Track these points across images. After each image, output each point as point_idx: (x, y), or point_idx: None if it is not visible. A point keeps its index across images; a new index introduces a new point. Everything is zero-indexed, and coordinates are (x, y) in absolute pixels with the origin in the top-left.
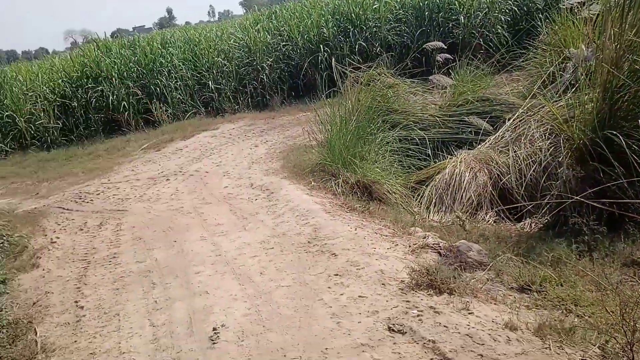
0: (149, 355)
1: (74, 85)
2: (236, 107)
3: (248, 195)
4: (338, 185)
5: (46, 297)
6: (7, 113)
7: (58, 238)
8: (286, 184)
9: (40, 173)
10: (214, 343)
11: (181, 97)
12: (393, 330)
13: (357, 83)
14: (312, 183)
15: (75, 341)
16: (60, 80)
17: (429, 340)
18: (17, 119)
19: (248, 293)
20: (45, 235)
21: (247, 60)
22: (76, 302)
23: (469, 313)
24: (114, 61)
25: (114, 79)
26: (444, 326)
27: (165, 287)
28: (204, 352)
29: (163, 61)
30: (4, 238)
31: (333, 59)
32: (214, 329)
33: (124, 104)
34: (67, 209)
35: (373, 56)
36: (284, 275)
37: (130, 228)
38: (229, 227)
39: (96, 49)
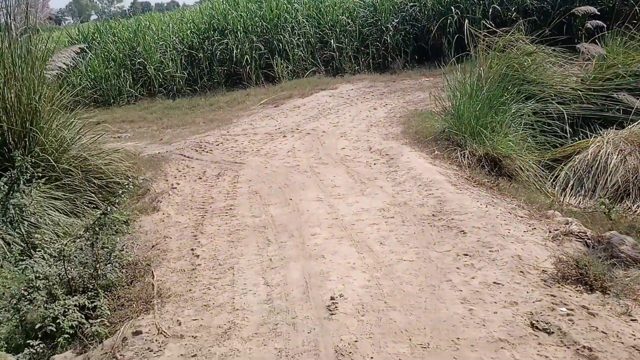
0: (262, 316)
1: (201, 37)
2: (356, 67)
3: (366, 158)
4: (464, 157)
5: (164, 242)
6: (139, 60)
7: (178, 184)
8: (407, 151)
9: (165, 120)
10: (331, 314)
11: (302, 55)
12: (537, 327)
13: (490, 49)
14: (436, 152)
15: (190, 290)
16: (188, 31)
17: (584, 347)
18: (148, 66)
19: (367, 263)
20: (167, 180)
21: (372, 20)
22: (192, 249)
23: (632, 320)
24: (241, 14)
25: (239, 32)
26: (602, 332)
27: (280, 245)
28: (321, 323)
29: (288, 17)
30: (129, 180)
31: (466, 22)
32: (332, 298)
33: (246, 58)
34: (188, 157)
35: (507, 22)
36: (407, 248)
37: (246, 181)
38: (346, 190)
39: (224, 2)
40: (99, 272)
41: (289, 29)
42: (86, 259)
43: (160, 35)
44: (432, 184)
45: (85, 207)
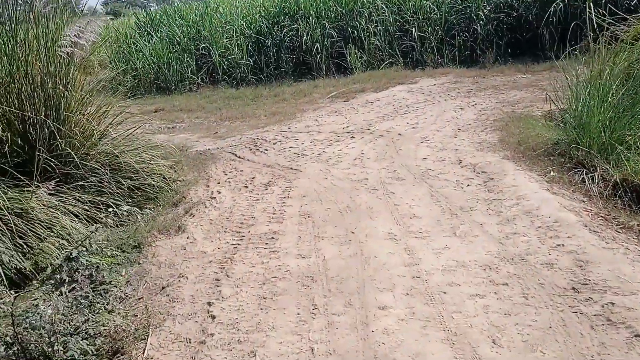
0: None
1: (270, 22)
2: (439, 60)
3: (456, 176)
4: (593, 182)
5: (178, 284)
6: (203, 45)
7: (219, 193)
8: (511, 168)
9: (224, 110)
10: None
11: (379, 44)
12: None
13: (617, 41)
14: (551, 172)
15: None
16: (257, 15)
17: None
18: (212, 51)
19: None
20: (208, 186)
21: (460, 7)
22: (209, 304)
23: None
24: None
25: (311, 17)
26: None
27: (330, 322)
28: None
29: (365, 1)
30: (165, 182)
31: (588, 5)
32: None
33: (317, 46)
34: (239, 157)
35: (625, 11)
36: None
37: (299, 197)
38: (430, 225)
39: None
40: (55, 347)
41: (366, 14)
42: (42, 323)
43: (227, 18)
44: (559, 226)
45: (110, 213)
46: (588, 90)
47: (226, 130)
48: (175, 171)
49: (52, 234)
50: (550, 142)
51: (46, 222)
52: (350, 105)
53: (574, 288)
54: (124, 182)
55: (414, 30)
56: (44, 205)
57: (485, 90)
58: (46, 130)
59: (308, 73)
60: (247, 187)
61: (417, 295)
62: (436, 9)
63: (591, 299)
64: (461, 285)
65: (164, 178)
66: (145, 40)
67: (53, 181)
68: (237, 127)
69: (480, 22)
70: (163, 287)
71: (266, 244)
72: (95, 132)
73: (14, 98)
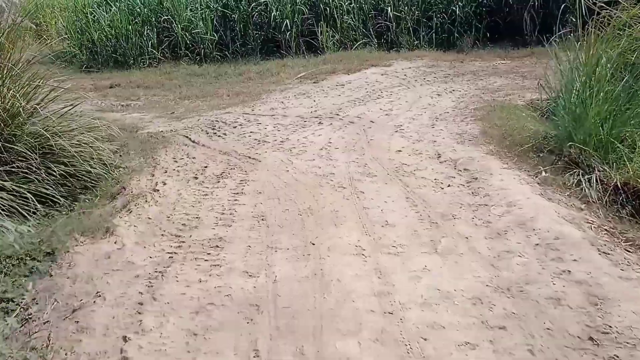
0: None
1: None
2: (415, 42)
3: (434, 173)
4: (590, 185)
5: (91, 308)
6: (164, 17)
7: (164, 184)
8: (497, 167)
9: (184, 88)
10: None
11: (352, 23)
12: None
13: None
14: (543, 172)
15: None
16: None
17: None
18: (174, 25)
19: None
20: (153, 174)
21: None
22: (125, 339)
23: None
24: None
25: None
26: None
27: None
28: None
29: None
30: (106, 169)
31: None
32: None
33: (286, 23)
34: (194, 142)
35: None
36: None
37: (254, 193)
38: (405, 237)
39: None
40: None
41: None
42: None
43: None
44: (561, 244)
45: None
46: (583, 78)
47: (184, 111)
48: (120, 156)
49: None
50: (538, 136)
51: None
52: (320, 87)
53: (591, 338)
54: (55, 169)
55: (389, 9)
56: None
57: (464, 76)
58: None
59: (277, 51)
60: (197, 177)
61: (389, 343)
62: None
63: (617, 358)
64: (446, 327)
65: (105, 164)
66: (103, 11)
67: None
68: (196, 107)
69: (459, 3)
70: (74, 310)
71: (208, 254)
72: (21, 109)
73: None
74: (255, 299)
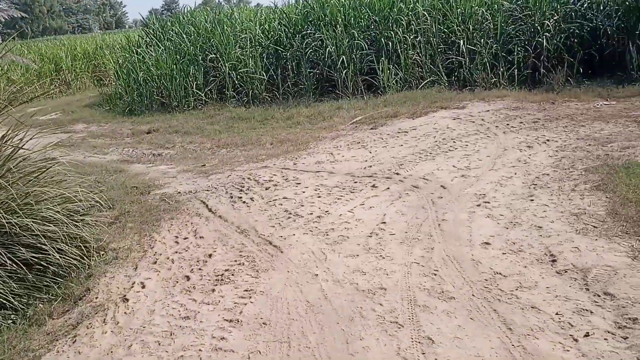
0: None
1: (291, 30)
2: (493, 80)
3: (553, 299)
4: None
5: None
6: (211, 56)
7: (142, 287)
8: None
9: (224, 135)
10: None
11: (418, 59)
12: None
13: None
14: None
15: None
16: (276, 22)
17: None
18: (221, 63)
19: None
20: (136, 268)
21: (520, 16)
22: None
23: None
24: (343, 3)
25: (338, 25)
26: None
27: None
28: None
29: (403, 7)
30: (82, 254)
31: None
32: None
33: (343, 59)
34: (210, 210)
35: None
36: None
37: (256, 323)
38: None
39: None
40: None
41: (404, 23)
42: None
43: (243, 26)
44: None
45: None
46: None
47: (217, 163)
48: (114, 230)
49: None
50: None
51: None
52: (379, 134)
53: None
54: (6, 258)
55: (461, 42)
56: None
57: (558, 121)
58: None
59: (332, 92)
60: (189, 278)
61: None
62: (490, 18)
63: None
64: None
65: (85, 247)
66: (151, 50)
67: None
68: (232, 158)
69: (546, 34)
70: None
71: None
72: None
73: None
74: None
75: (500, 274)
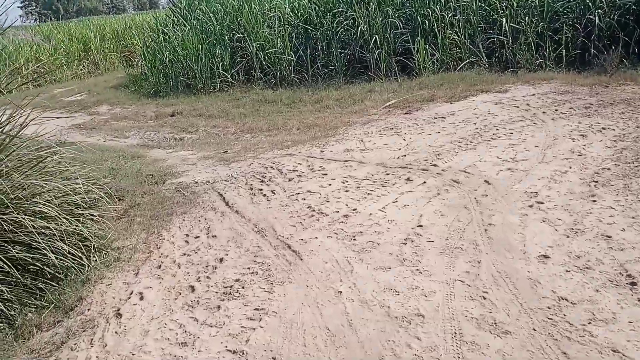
0: None
1: (321, 8)
2: (539, 61)
3: (635, 328)
4: None
5: None
6: (238, 35)
7: (140, 299)
8: None
9: (250, 119)
10: None
11: (457, 38)
12: None
13: None
14: None
15: None
16: (306, 0)
17: None
18: (249, 43)
19: None
20: (137, 274)
21: None
22: None
23: None
24: None
25: (371, 2)
26: None
27: None
28: None
29: None
30: (81, 253)
31: None
32: None
33: (376, 39)
34: (227, 203)
35: None
36: None
37: (281, 332)
38: None
39: None
40: None
41: (442, 0)
42: None
43: (272, 4)
44: None
45: None
46: None
47: (240, 149)
48: (121, 224)
49: None
50: None
51: None
52: (413, 119)
53: None
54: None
55: (504, 20)
56: None
57: (613, 107)
58: None
59: (363, 73)
60: (193, 289)
61: None
62: None
63: None
64: None
65: (86, 245)
66: (178, 30)
67: None
68: (256, 144)
69: (598, 10)
70: None
71: None
72: None
73: None
74: None
75: (565, 299)
